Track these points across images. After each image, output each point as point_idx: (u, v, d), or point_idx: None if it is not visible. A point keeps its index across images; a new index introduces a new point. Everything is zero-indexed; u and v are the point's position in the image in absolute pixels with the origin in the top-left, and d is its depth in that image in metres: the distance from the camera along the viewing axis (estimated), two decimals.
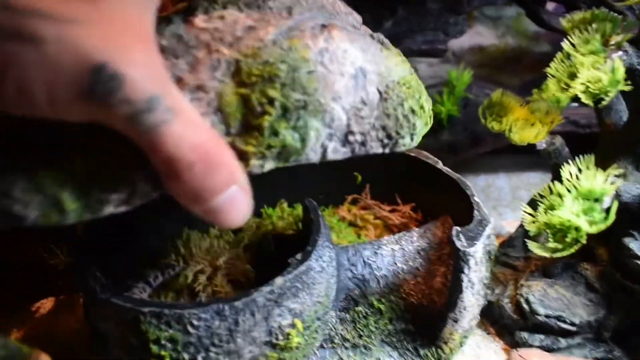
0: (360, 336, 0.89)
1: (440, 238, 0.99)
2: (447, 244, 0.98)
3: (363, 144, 0.52)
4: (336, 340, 0.86)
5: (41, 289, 1.07)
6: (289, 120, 0.45)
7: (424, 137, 1.48)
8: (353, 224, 1.13)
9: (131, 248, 0.97)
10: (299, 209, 1.16)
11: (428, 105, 0.57)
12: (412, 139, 0.57)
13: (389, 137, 0.53)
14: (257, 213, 1.16)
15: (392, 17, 1.43)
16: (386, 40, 0.59)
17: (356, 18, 0.58)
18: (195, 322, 0.64)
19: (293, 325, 0.65)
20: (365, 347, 0.88)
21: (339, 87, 0.47)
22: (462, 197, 1.02)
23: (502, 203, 1.54)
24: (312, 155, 0.49)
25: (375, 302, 0.90)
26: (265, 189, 1.04)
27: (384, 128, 0.52)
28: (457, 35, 1.52)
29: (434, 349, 0.89)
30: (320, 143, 0.49)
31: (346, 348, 0.88)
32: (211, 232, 1.10)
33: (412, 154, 1.13)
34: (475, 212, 0.92)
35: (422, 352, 0.90)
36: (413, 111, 0.55)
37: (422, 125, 0.57)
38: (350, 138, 0.51)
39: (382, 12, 1.42)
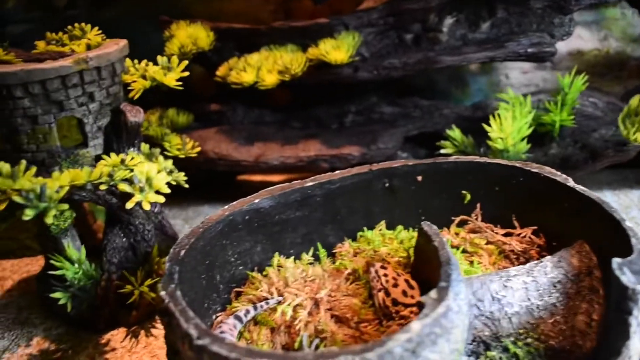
0: None
1: (578, 268, 0.85)
2: (587, 276, 0.85)
3: None
4: None
5: (113, 319, 1.06)
6: None
7: (529, 150, 1.33)
8: (461, 250, 1.00)
9: (213, 278, 0.91)
10: (399, 231, 1.08)
11: None
12: None
13: None
14: (352, 236, 1.09)
15: (490, 18, 1.34)
16: None
17: None
18: None
19: None
20: None
21: None
22: (603, 221, 0.87)
23: None
24: None
25: (510, 346, 0.77)
26: (358, 208, 1.06)
27: None
28: (564, 37, 1.37)
29: None
30: None
31: None
32: (304, 258, 1.02)
33: (534, 170, 1.01)
34: (634, 240, 0.77)
35: None
36: None
37: None
38: None
39: (479, 12, 1.34)
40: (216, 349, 0.55)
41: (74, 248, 1.05)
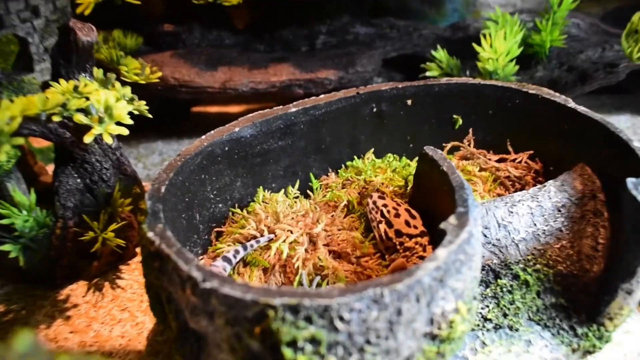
0: (505, 315, 0.77)
1: (581, 192, 0.85)
2: (591, 199, 0.85)
3: None
4: (476, 321, 0.76)
5: (71, 271, 0.97)
6: None
7: (515, 74, 1.30)
8: None
9: (193, 217, 0.87)
10: (391, 159, 1.05)
11: None
12: None
13: None
14: (337, 167, 1.07)
15: None
16: None
17: None
18: (346, 315, 0.50)
19: (456, 310, 0.58)
20: (510, 328, 0.76)
21: None
22: (607, 142, 0.86)
23: None
24: None
25: (520, 273, 0.77)
26: (344, 136, 1.03)
27: None
28: None
29: (595, 327, 0.76)
30: None
31: (488, 330, 0.77)
32: (290, 191, 0.98)
33: (532, 91, 0.98)
34: None
35: (580, 330, 0.76)
36: None
37: None
38: None
39: None
40: (228, 291, 0.51)
41: (20, 192, 0.94)
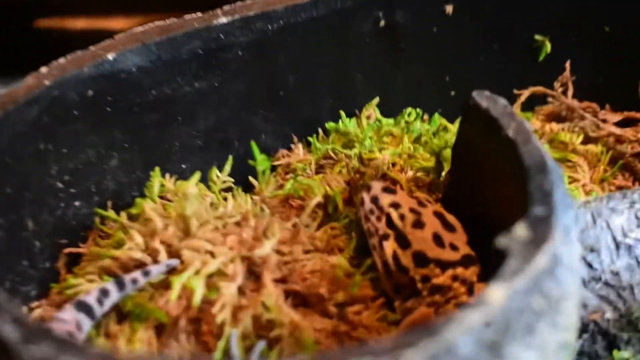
0: None
1: None
2: None
3: None
4: None
5: None
6: None
7: None
8: None
9: (21, 224, 0.88)
10: (409, 118, 1.07)
11: None
12: None
13: None
14: (310, 132, 1.10)
15: None
16: None
17: None
18: None
19: None
20: None
21: None
22: None
23: None
24: None
25: None
26: (323, 74, 1.06)
27: None
28: None
29: None
30: None
31: None
32: (214, 177, 1.01)
33: None
34: None
35: None
36: None
37: None
38: None
39: None
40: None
41: None
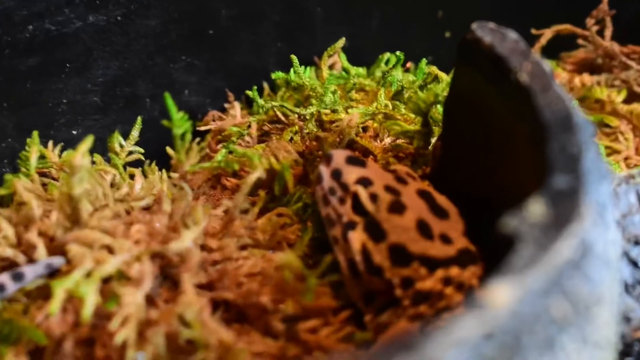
0: None
1: None
2: None
3: None
4: None
5: None
6: None
7: None
8: None
9: None
10: (384, 66, 1.06)
11: None
12: None
13: None
14: (248, 82, 1.08)
15: None
16: None
17: None
18: None
19: None
20: None
21: None
22: None
23: None
24: None
25: None
26: (263, 6, 1.09)
27: None
28: None
29: None
30: None
31: None
32: (114, 146, 1.02)
33: None
34: None
35: None
36: None
37: None
38: None
39: None
40: None
41: None
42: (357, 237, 0.85)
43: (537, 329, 0.58)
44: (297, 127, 1.00)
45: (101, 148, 0.98)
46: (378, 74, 1.06)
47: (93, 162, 0.98)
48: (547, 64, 0.76)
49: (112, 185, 0.95)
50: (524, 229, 0.62)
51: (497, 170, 0.82)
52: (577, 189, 0.64)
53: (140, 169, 0.99)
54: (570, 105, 0.72)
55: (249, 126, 1.01)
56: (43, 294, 0.84)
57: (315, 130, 0.99)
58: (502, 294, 0.57)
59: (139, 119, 1.01)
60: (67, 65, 0.97)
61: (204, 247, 0.89)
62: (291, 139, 1.00)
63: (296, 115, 1.01)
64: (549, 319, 0.59)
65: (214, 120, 1.06)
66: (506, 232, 0.62)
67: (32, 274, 0.84)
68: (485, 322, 0.56)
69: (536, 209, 0.63)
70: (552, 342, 0.59)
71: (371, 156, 0.95)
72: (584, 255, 0.61)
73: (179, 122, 0.96)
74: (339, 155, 0.89)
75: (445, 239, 0.84)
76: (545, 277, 0.59)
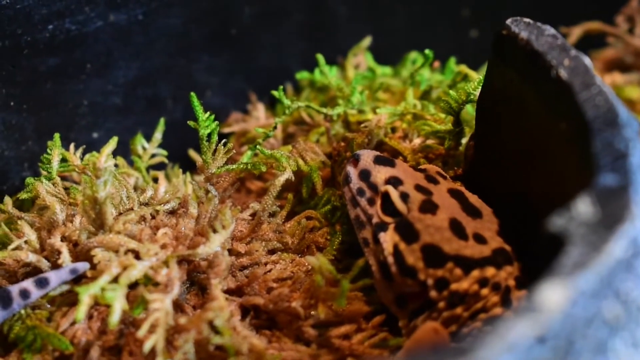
0: None
1: None
2: None
3: None
4: None
5: None
6: None
7: None
8: None
9: None
10: (412, 64, 1.08)
11: None
12: None
13: None
14: (274, 83, 1.06)
15: None
16: None
17: None
18: None
19: None
20: None
21: None
22: None
23: None
24: None
25: None
26: (287, 5, 1.10)
27: None
28: None
29: None
30: None
31: None
32: (137, 149, 1.02)
33: None
34: None
35: None
36: None
37: None
38: None
39: None
40: None
41: None
42: (388, 238, 0.84)
43: (590, 332, 0.57)
44: (323, 128, 1.00)
45: (122, 151, 0.97)
46: (405, 73, 1.05)
47: (116, 165, 0.96)
48: (587, 59, 0.75)
49: (135, 188, 0.94)
50: (572, 229, 0.61)
51: (533, 169, 0.81)
52: (627, 187, 0.64)
53: (163, 171, 0.99)
54: (614, 100, 0.71)
55: (275, 127, 1.00)
56: (68, 300, 0.84)
57: (342, 131, 0.99)
58: (554, 296, 0.56)
59: (162, 120, 1.01)
60: (88, 65, 0.97)
61: (231, 252, 0.89)
62: (317, 140, 0.99)
63: (322, 116, 1.00)
64: (601, 321, 0.58)
65: (236, 122, 1.06)
66: (554, 231, 0.61)
67: (56, 279, 0.84)
68: (537, 325, 0.55)
69: (584, 208, 0.63)
70: (604, 345, 0.58)
71: (401, 157, 0.95)
72: (636, 255, 0.60)
73: (205, 122, 0.95)
74: (367, 155, 0.89)
75: (480, 239, 0.83)
76: (596, 278, 0.58)
